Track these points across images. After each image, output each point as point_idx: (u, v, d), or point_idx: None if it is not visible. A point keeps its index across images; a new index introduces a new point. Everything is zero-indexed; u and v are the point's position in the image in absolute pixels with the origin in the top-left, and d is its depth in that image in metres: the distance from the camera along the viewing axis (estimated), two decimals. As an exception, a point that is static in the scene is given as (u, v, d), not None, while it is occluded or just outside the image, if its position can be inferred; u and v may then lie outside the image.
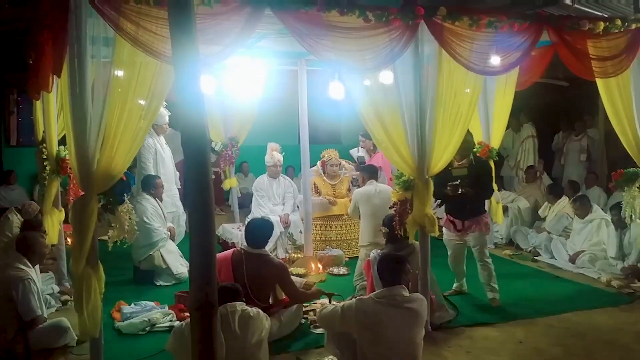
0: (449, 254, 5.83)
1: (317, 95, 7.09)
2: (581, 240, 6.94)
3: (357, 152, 8.54)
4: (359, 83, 4.83)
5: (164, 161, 7.13)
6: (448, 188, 5.30)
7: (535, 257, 7.34)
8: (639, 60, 5.40)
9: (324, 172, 7.80)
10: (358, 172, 7.16)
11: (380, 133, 4.76)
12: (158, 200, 6.65)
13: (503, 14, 4.77)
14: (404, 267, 3.76)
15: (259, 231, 4.90)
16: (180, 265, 6.49)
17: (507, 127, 7.74)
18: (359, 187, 6.72)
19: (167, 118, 7.11)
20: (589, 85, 5.68)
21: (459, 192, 5.32)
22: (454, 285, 5.93)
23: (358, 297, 3.76)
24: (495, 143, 7.15)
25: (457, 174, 5.39)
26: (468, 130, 5.13)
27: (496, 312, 5.27)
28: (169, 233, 6.63)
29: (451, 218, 5.68)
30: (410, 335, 3.60)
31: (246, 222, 7.46)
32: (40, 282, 4.91)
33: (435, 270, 5.17)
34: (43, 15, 4.01)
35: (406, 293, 3.68)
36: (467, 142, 5.31)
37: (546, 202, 8.07)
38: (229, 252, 4.88)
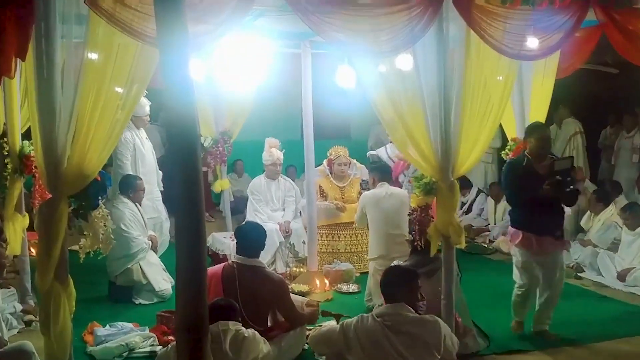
0: (519, 282, 5.42)
1: (324, 83, 7.11)
2: (632, 255, 6.92)
3: (387, 151, 8.50)
4: (372, 69, 4.82)
5: (144, 158, 7.14)
6: (547, 186, 5.02)
7: (578, 274, 7.32)
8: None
9: (330, 173, 7.80)
10: (369, 174, 7.15)
11: (397, 127, 4.76)
12: (138, 205, 6.65)
13: (542, -11, 4.77)
14: (412, 283, 3.77)
15: (251, 236, 4.91)
16: (162, 281, 6.51)
17: (551, 123, 7.73)
18: (368, 190, 6.72)
19: (147, 109, 7.13)
20: (643, 72, 5.68)
21: (568, 190, 5.10)
22: (514, 319, 5.52)
23: (360, 315, 3.77)
24: (532, 140, 7.14)
25: (560, 167, 5.17)
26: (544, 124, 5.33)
27: (533, 338, 5.27)
28: (150, 243, 6.63)
29: (529, 234, 5.21)
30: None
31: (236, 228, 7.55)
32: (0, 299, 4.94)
33: (465, 290, 5.16)
34: (5, -12, 4.03)
35: (410, 313, 3.67)
36: (548, 138, 5.30)
37: (588, 211, 8.03)
38: (219, 266, 4.88)
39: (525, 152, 5.34)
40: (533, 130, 5.36)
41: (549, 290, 5.30)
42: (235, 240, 5.08)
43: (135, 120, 7.02)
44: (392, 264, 5.13)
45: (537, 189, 5.01)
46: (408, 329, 3.60)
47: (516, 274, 5.43)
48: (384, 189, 6.31)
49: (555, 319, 5.68)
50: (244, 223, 5.76)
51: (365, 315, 3.77)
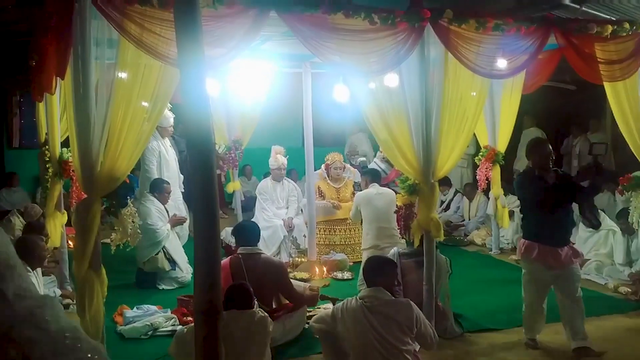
0: (530, 299, 4.64)
1: (322, 98, 7.11)
2: (587, 249, 6.85)
3: (377, 162, 8.53)
4: (364, 86, 4.84)
5: (168, 164, 7.13)
6: (583, 168, 4.60)
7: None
8: (648, 63, 5.39)
9: (328, 176, 7.80)
10: (361, 176, 7.16)
11: (386, 136, 4.76)
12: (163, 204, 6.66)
13: (510, 17, 4.77)
14: (389, 271, 3.79)
15: (247, 230, 4.96)
16: (184, 268, 6.51)
17: (519, 132, 7.67)
18: (360, 190, 6.76)
19: (171, 120, 7.13)
20: (596, 89, 5.67)
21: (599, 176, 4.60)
22: (527, 335, 4.71)
23: (347, 298, 3.79)
24: (502, 147, 7.15)
25: (597, 152, 4.89)
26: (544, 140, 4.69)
27: (502, 318, 5.25)
28: (169, 230, 6.60)
29: (545, 247, 4.43)
30: (390, 339, 3.56)
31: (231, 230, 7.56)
32: (41, 285, 4.92)
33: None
34: (47, 17, 4.03)
35: (386, 296, 3.68)
36: (549, 154, 4.49)
37: None
38: (226, 260, 4.86)
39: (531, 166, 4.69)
40: (534, 147, 4.65)
41: (574, 305, 4.51)
42: (234, 235, 5.09)
43: (161, 131, 7.02)
44: (391, 253, 5.12)
45: (551, 197, 4.35)
46: (383, 309, 3.60)
47: (526, 289, 4.65)
48: (375, 189, 6.37)
49: (521, 303, 5.67)
50: (237, 223, 5.78)
51: (350, 298, 3.78)
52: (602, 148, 5.09)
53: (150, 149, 6.88)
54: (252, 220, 6.36)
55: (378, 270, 3.80)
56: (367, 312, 3.58)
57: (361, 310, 3.59)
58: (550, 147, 4.55)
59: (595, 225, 5.61)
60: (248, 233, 4.91)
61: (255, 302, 3.82)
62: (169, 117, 7.02)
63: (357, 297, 3.69)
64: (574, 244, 4.76)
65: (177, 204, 7.17)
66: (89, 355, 1.33)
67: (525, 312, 4.69)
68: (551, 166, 4.50)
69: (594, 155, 4.96)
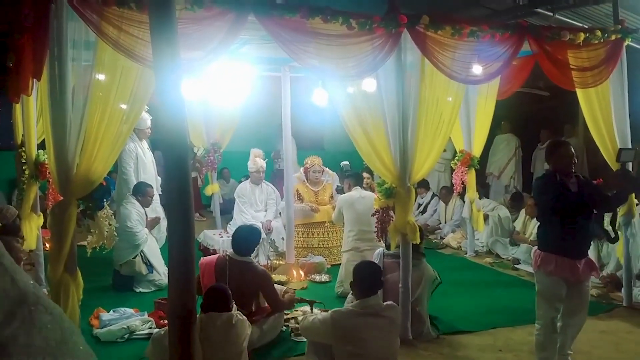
0: (545, 318, 4.09)
1: (301, 102, 7.10)
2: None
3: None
4: (342, 90, 4.85)
5: (145, 166, 7.05)
6: (616, 173, 4.20)
7: (515, 266, 7.39)
8: (618, 71, 5.49)
9: (306, 179, 7.79)
10: (344, 180, 7.16)
11: (363, 140, 4.77)
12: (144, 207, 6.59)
13: (485, 24, 4.82)
14: (380, 277, 3.78)
15: (246, 239, 4.86)
16: (161, 272, 6.44)
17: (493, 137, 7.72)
18: (343, 193, 6.77)
19: (148, 122, 7.05)
20: (569, 95, 5.75)
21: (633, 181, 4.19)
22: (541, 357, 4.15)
23: (333, 310, 3.73)
24: (477, 151, 7.21)
25: (626, 159, 4.56)
26: (566, 142, 4.38)
27: (476, 320, 5.28)
28: (147, 236, 6.53)
29: (563, 259, 4.00)
30: (388, 344, 3.60)
31: (227, 228, 7.49)
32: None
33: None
34: (24, 18, 3.97)
35: (381, 302, 3.69)
36: (571, 156, 4.05)
37: (523, 215, 8.02)
38: (214, 257, 4.84)
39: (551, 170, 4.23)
40: (555, 148, 4.19)
41: (575, 318, 4.15)
42: (232, 238, 5.01)
43: (138, 133, 6.93)
44: (376, 253, 5.11)
45: (573, 205, 3.95)
46: (384, 314, 3.61)
47: (541, 306, 4.13)
48: (357, 192, 6.39)
49: (495, 305, 5.73)
50: (242, 225, 5.66)
51: (340, 309, 3.74)
52: (630, 154, 4.80)
53: (127, 151, 6.79)
54: (249, 225, 6.18)
55: (377, 279, 3.77)
56: (371, 319, 3.57)
57: (363, 320, 3.57)
58: (573, 150, 4.13)
59: (611, 239, 5.42)
60: (246, 243, 4.82)
61: (233, 304, 3.79)
62: (146, 119, 6.94)
63: (353, 309, 3.64)
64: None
65: (154, 205, 7.08)
66: None
67: (540, 331, 4.12)
68: (573, 170, 4.09)
69: (622, 163, 4.81)
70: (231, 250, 4.84)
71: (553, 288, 4.06)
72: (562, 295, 4.06)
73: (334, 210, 6.69)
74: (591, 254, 6.42)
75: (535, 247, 4.37)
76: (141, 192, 6.54)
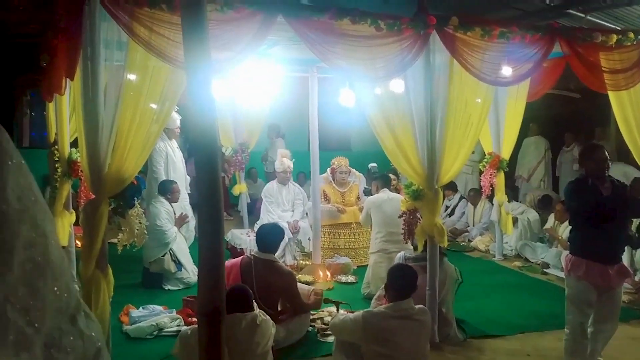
0: (573, 322, 4.09)
1: (328, 102, 7.10)
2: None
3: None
4: (369, 91, 4.83)
5: (175, 165, 7.15)
6: None
7: (544, 270, 7.28)
8: (652, 73, 5.37)
9: (333, 180, 7.79)
10: (372, 182, 7.15)
11: (390, 141, 4.75)
12: (172, 205, 6.67)
13: (515, 25, 4.76)
14: (416, 281, 3.76)
15: (269, 236, 4.89)
16: (190, 269, 6.51)
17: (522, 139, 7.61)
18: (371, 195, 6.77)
19: (178, 122, 7.14)
20: (601, 97, 5.65)
21: None
22: None
23: (365, 310, 3.74)
24: (506, 154, 7.13)
25: None
26: (600, 146, 4.31)
27: (504, 324, 5.22)
28: (176, 234, 6.61)
29: (594, 264, 3.94)
30: (418, 348, 3.60)
31: (255, 228, 7.53)
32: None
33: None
34: (58, 19, 4.05)
35: (414, 305, 3.68)
36: (605, 160, 3.97)
37: (553, 220, 7.89)
38: (238, 259, 4.88)
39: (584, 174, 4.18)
40: (590, 152, 4.16)
41: (607, 325, 4.12)
42: (255, 237, 5.05)
43: (168, 132, 7.03)
44: (398, 256, 5.10)
45: (605, 210, 3.87)
46: (416, 317, 3.61)
47: (570, 311, 4.11)
48: (385, 194, 6.41)
49: (524, 309, 5.65)
50: (267, 223, 5.72)
51: (372, 310, 3.75)
52: None
53: (158, 150, 6.89)
54: (272, 223, 6.24)
55: (412, 284, 3.76)
56: (403, 321, 3.58)
57: (395, 323, 3.57)
58: (607, 153, 4.07)
59: (634, 244, 5.24)
60: (269, 240, 4.85)
61: (255, 304, 3.81)
62: (176, 118, 7.03)
63: (386, 311, 3.64)
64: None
65: (182, 204, 7.16)
66: None
67: (569, 336, 4.11)
68: (607, 174, 4.02)
69: None
70: (256, 249, 4.88)
71: (583, 293, 4.01)
72: (592, 301, 4.00)
73: (362, 212, 6.70)
74: (624, 259, 6.33)
75: (567, 252, 4.32)
76: (168, 190, 6.63)
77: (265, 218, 7.50)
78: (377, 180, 6.81)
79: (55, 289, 1.17)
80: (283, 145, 10.36)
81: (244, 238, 7.39)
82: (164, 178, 6.92)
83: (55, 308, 1.17)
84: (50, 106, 5.73)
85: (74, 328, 1.21)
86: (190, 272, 6.47)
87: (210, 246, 2.47)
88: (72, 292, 1.27)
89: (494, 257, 8.00)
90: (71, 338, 1.18)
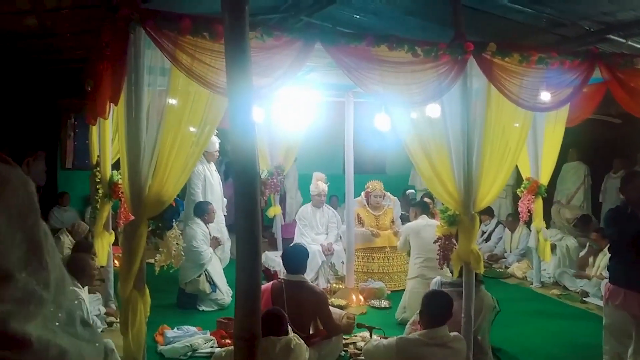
0: (612, 352, 4.12)
1: (363, 126, 7.14)
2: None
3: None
4: (405, 115, 4.84)
5: (213, 187, 7.27)
6: None
7: (584, 299, 7.10)
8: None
9: (367, 203, 7.79)
10: (410, 209, 7.15)
11: (426, 166, 4.74)
12: (208, 226, 6.77)
13: (554, 51, 4.73)
14: (451, 308, 3.73)
15: (294, 256, 4.93)
16: (224, 291, 6.57)
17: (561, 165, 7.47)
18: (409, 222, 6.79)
19: (217, 145, 7.27)
20: (644, 123, 5.55)
21: None
22: None
23: (399, 337, 3.72)
24: (544, 179, 7.03)
25: None
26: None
27: (541, 354, 5.12)
28: (212, 255, 6.69)
29: (632, 292, 3.93)
30: None
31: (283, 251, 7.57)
32: (87, 302, 5.03)
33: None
34: (104, 46, 4.19)
35: (449, 333, 3.64)
36: None
37: (588, 246, 7.68)
38: (269, 284, 4.89)
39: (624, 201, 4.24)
40: (630, 179, 4.23)
41: None
42: (282, 259, 5.10)
43: (206, 155, 7.16)
44: (434, 281, 5.06)
45: (635, 236, 3.84)
46: (451, 345, 3.57)
47: (607, 340, 4.17)
48: (424, 220, 6.44)
49: (562, 339, 5.52)
50: (289, 246, 5.79)
51: (406, 337, 3.72)
52: None
53: (196, 173, 7.03)
54: (294, 244, 6.34)
55: (448, 310, 3.73)
56: (437, 349, 3.56)
57: (429, 350, 3.54)
58: None
59: None
60: (295, 261, 4.89)
61: (290, 328, 3.82)
62: (215, 142, 7.16)
63: (420, 337, 3.61)
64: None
65: (218, 226, 7.25)
66: None
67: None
68: None
69: None
70: (285, 273, 4.90)
71: (620, 323, 3.99)
72: (630, 331, 3.95)
73: (400, 238, 6.71)
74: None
75: (606, 280, 4.25)
76: (205, 211, 6.74)
77: (299, 240, 7.53)
78: (416, 206, 6.83)
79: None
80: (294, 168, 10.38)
81: (277, 260, 7.41)
82: (202, 200, 7.03)
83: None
84: (94, 129, 5.90)
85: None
86: (225, 293, 6.53)
87: (247, 270, 2.51)
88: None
89: (532, 284, 7.84)
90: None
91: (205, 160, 7.17)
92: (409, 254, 6.54)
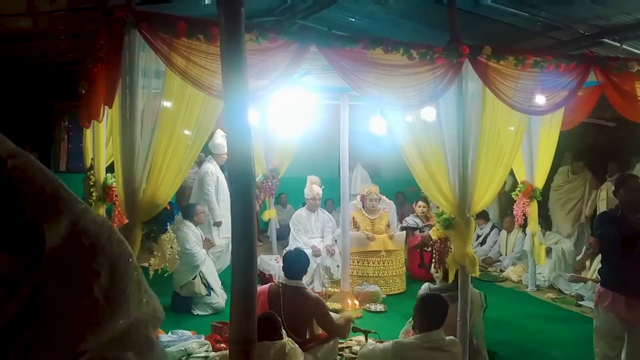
0: (602, 354, 4.12)
1: (358, 129, 7.15)
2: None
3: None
4: (400, 119, 4.85)
5: (224, 190, 7.28)
6: None
7: (579, 302, 7.12)
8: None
9: (363, 207, 7.79)
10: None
11: (421, 169, 4.74)
12: (199, 227, 6.77)
13: (549, 54, 4.75)
14: (447, 311, 3.73)
15: (296, 261, 4.91)
16: (219, 294, 6.55)
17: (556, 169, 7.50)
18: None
19: (225, 148, 7.27)
20: (637, 126, 5.58)
21: None
22: None
23: (395, 340, 3.71)
24: (539, 183, 7.04)
25: None
26: (634, 176, 4.26)
27: (537, 357, 5.12)
28: (205, 256, 6.68)
29: (621, 296, 3.93)
30: None
31: (283, 254, 7.56)
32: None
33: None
34: (98, 49, 4.18)
35: (444, 336, 3.63)
36: (639, 189, 3.99)
37: (584, 250, 7.73)
38: (266, 286, 4.89)
39: (618, 205, 4.25)
40: (623, 182, 4.24)
41: None
42: (282, 262, 5.08)
43: (216, 158, 7.24)
44: (423, 287, 5.06)
45: (632, 241, 3.83)
46: (447, 348, 3.57)
47: (597, 342, 4.17)
48: None
49: (557, 342, 5.53)
50: (291, 249, 5.76)
51: (402, 340, 3.72)
52: None
53: (210, 174, 7.13)
54: (296, 248, 6.31)
55: (443, 314, 3.72)
56: (433, 353, 3.55)
57: (424, 354, 3.54)
58: None
59: None
60: (294, 265, 4.86)
61: (284, 332, 3.80)
62: (224, 145, 7.15)
63: (415, 341, 3.61)
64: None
65: (229, 226, 7.20)
66: None
67: None
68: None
69: None
70: (283, 276, 4.89)
71: (609, 325, 4.00)
72: (620, 335, 3.97)
73: None
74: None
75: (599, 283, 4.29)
76: (194, 213, 6.75)
77: (293, 244, 7.51)
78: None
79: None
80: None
81: (272, 264, 7.41)
82: (215, 201, 7.07)
83: None
84: (88, 132, 5.88)
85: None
86: (220, 296, 6.51)
87: (243, 275, 2.50)
88: None
89: (527, 288, 7.85)
90: None
91: (215, 161, 7.24)
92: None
